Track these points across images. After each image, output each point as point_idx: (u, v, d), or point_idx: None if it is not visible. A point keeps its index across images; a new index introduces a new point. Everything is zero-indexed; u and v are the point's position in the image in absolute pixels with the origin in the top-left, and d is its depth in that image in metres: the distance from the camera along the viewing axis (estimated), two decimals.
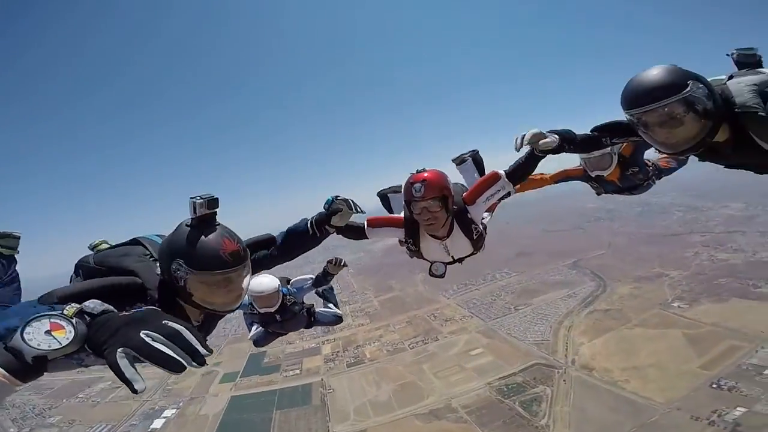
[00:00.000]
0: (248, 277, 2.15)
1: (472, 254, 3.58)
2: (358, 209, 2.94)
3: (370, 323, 62.95)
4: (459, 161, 4.15)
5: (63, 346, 1.10)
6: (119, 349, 1.05)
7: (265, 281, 4.48)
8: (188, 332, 1.14)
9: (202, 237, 1.96)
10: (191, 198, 2.02)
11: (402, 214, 3.45)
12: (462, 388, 41.36)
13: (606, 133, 2.89)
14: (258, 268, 2.75)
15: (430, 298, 66.94)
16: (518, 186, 3.36)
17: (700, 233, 67.23)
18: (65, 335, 1.12)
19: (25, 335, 1.09)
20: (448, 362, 47.28)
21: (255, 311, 4.72)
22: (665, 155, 4.04)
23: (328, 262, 4.93)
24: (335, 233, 3.11)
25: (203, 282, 1.96)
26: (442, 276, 3.65)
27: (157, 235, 2.45)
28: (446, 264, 3.59)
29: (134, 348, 1.05)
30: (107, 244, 2.65)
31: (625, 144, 3.93)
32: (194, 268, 1.92)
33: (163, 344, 1.08)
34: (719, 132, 2.27)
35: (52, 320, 1.13)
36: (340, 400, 43.69)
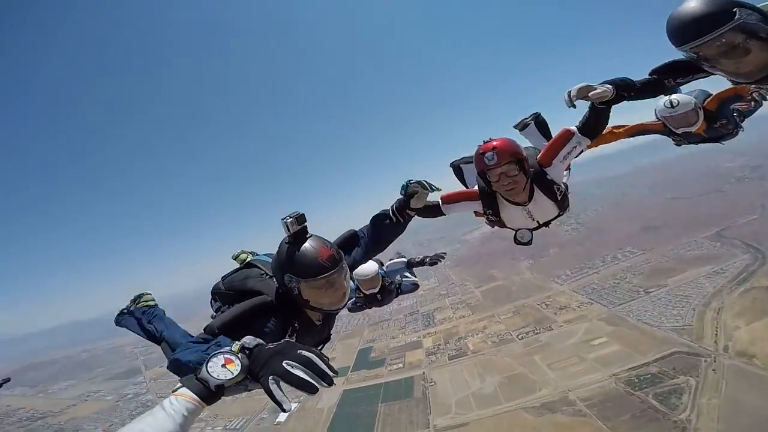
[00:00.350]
0: (347, 275, 2.41)
1: (557, 216, 3.53)
2: (434, 188, 3.03)
3: (472, 315, 60.80)
4: (521, 126, 4.02)
5: (234, 376, 1.42)
6: (270, 377, 1.35)
7: (367, 267, 4.90)
8: (318, 359, 1.39)
9: (301, 249, 2.26)
10: (282, 219, 2.31)
11: (476, 187, 3.41)
12: (582, 380, 37.14)
13: (668, 73, 2.70)
14: (356, 264, 3.03)
15: (540, 286, 62.05)
16: (592, 142, 3.23)
17: None
18: (235, 367, 1.44)
19: (209, 368, 1.43)
20: (565, 353, 43.02)
21: (360, 293, 5.17)
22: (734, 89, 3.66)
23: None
24: (416, 215, 3.22)
25: (312, 287, 2.26)
26: (529, 243, 3.67)
27: (266, 255, 2.93)
28: (531, 230, 3.59)
29: (280, 376, 1.35)
30: (246, 253, 3.15)
31: (710, 99, 3.82)
32: (302, 277, 2.23)
33: (300, 371, 1.35)
34: None
35: (225, 356, 1.46)
36: (441, 392, 42.67)
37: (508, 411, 35.98)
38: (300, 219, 2.30)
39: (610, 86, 2.73)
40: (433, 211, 3.42)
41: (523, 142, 3.81)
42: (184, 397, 1.34)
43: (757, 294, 41.04)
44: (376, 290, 5.06)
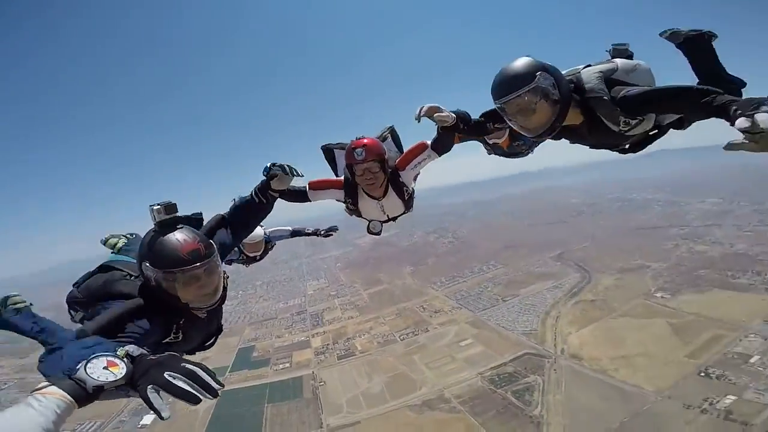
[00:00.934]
0: (218, 271, 2.29)
1: (403, 213, 3.92)
2: (296, 173, 3.01)
3: (359, 316, 62.80)
4: (381, 139, 4.29)
5: (117, 379, 1.38)
6: (149, 386, 1.34)
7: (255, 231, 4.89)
8: (202, 371, 1.40)
9: (164, 239, 2.16)
10: (150, 205, 2.23)
11: (341, 177, 3.73)
12: (454, 379, 41.36)
13: (490, 118, 3.15)
14: (226, 250, 2.84)
15: (419, 290, 67.20)
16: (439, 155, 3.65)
17: (678, 226, 69.44)
18: (119, 371, 1.40)
19: (87, 369, 1.37)
20: (439, 353, 47.38)
21: (243, 255, 5.29)
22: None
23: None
24: (279, 197, 3.25)
25: (172, 280, 2.13)
26: (378, 233, 4.05)
27: (123, 254, 2.80)
28: (382, 222, 3.98)
29: (161, 386, 1.35)
30: (117, 238, 3.00)
31: None
32: (158, 267, 2.11)
33: (183, 382, 1.36)
34: (571, 116, 2.54)
35: (108, 358, 1.42)
36: (332, 392, 43.34)
37: (394, 409, 38.17)
38: (169, 208, 2.24)
39: (454, 115, 3.18)
40: (299, 195, 3.66)
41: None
42: (54, 396, 1.25)
43: (584, 306, 51.14)
44: (259, 253, 5.32)
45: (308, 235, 5.95)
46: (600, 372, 37.83)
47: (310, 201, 3.73)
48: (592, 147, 3.09)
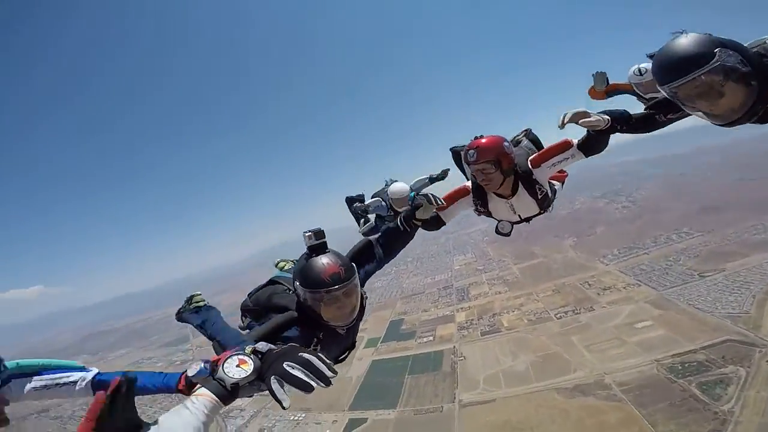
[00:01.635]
0: (356, 292, 2.53)
1: (538, 214, 3.77)
2: (440, 202, 3.29)
3: (508, 291, 60.42)
4: (515, 143, 4.12)
5: (247, 375, 1.55)
6: (272, 377, 1.50)
7: (400, 186, 5.23)
8: (317, 360, 1.53)
9: (312, 262, 2.45)
10: (303, 232, 2.55)
11: (465, 184, 3.73)
12: (621, 364, 36.24)
13: (660, 109, 2.83)
14: (368, 276, 3.08)
15: (584, 265, 60.20)
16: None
17: None
18: (248, 367, 1.58)
19: (225, 368, 1.56)
20: (606, 335, 41.94)
21: (392, 213, 5.42)
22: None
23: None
24: (420, 227, 3.41)
25: (315, 299, 2.41)
26: (507, 234, 3.89)
27: (287, 271, 3.20)
28: (513, 223, 3.81)
29: (281, 375, 1.50)
30: (286, 262, 3.47)
31: None
32: (305, 287, 2.41)
33: (299, 371, 1.50)
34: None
35: (240, 357, 1.61)
36: (470, 368, 43.09)
37: (538, 390, 35.80)
38: (318, 234, 2.53)
39: (607, 117, 2.93)
40: (434, 222, 3.64)
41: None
42: (204, 397, 1.45)
43: None
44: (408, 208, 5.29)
45: (436, 179, 5.91)
46: None
47: (446, 224, 3.79)
48: None
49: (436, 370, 44.49)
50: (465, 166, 3.58)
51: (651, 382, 32.55)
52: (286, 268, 3.34)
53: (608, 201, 76.63)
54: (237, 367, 1.57)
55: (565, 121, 2.98)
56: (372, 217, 5.91)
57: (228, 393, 1.52)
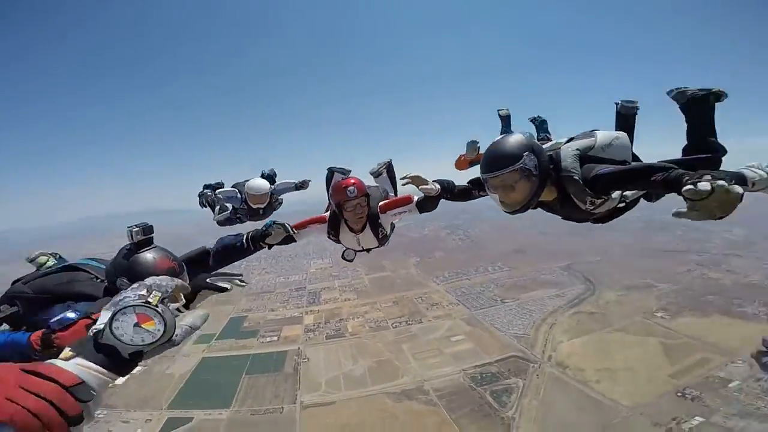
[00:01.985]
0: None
1: (377, 247, 4.36)
2: (294, 232, 3.60)
3: (356, 299, 64.41)
4: (376, 174, 4.91)
5: (156, 341, 1.09)
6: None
7: (261, 183, 5.50)
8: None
9: (139, 256, 2.36)
10: (128, 227, 2.43)
11: (323, 214, 4.28)
12: (437, 372, 42.23)
13: (476, 186, 3.50)
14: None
15: (421, 282, 68.23)
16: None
17: (697, 253, 67.85)
18: (155, 327, 1.09)
19: (115, 331, 1.04)
20: (428, 345, 48.35)
21: (245, 207, 5.56)
22: None
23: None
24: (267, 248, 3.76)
25: None
26: (351, 260, 4.45)
27: (90, 259, 2.78)
28: (356, 251, 4.37)
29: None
30: (46, 257, 3.04)
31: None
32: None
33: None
34: (546, 192, 2.77)
35: (137, 311, 1.09)
36: (313, 370, 44.68)
37: (372, 394, 39.20)
38: (146, 230, 2.45)
39: (438, 186, 3.68)
40: (285, 240, 3.92)
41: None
42: (85, 370, 0.95)
43: (582, 317, 50.95)
44: (263, 205, 5.61)
45: (299, 188, 6.12)
46: (581, 382, 37.96)
47: (296, 241, 4.08)
48: (563, 218, 3.29)
49: (277, 371, 44.75)
50: (334, 205, 3.98)
51: (459, 389, 38.55)
52: (48, 264, 2.95)
53: (449, 232, 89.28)
54: (136, 327, 1.06)
55: (404, 183, 3.68)
56: (230, 205, 5.81)
57: (123, 362, 1.04)
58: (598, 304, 55.07)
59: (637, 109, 3.40)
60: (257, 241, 3.52)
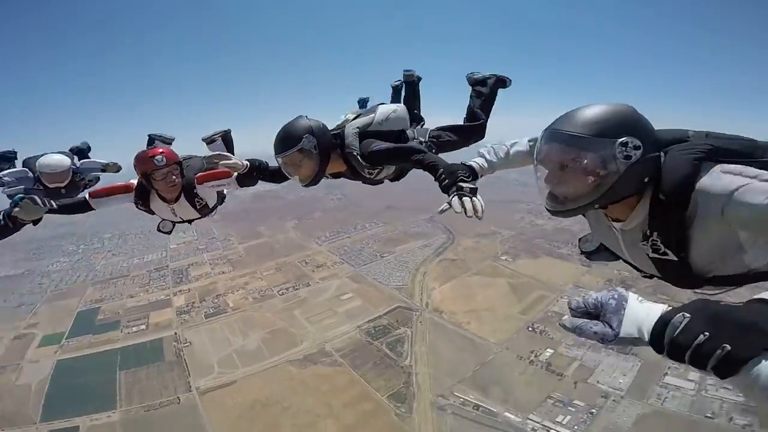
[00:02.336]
0: None
1: (199, 218, 4.33)
2: (49, 204, 3.21)
3: (233, 271, 61.41)
4: (209, 141, 4.78)
5: None
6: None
7: (56, 160, 4.71)
8: None
9: None
10: None
11: (129, 182, 3.92)
12: (334, 332, 44.38)
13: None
14: None
15: (302, 245, 68.22)
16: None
17: (526, 203, 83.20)
18: None
19: None
20: (320, 307, 49.93)
21: (40, 187, 4.70)
22: None
23: None
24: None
25: None
26: (168, 233, 4.46)
27: None
28: (174, 222, 4.35)
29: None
30: None
31: None
32: None
33: None
34: (336, 165, 3.18)
35: None
36: (199, 353, 42.43)
37: (274, 366, 39.49)
38: None
39: (245, 163, 3.78)
40: (78, 207, 3.81)
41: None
42: None
43: (446, 264, 59.04)
44: (63, 185, 4.89)
45: (109, 169, 5.56)
46: (456, 325, 44.70)
47: (94, 209, 3.83)
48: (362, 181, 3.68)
49: (158, 361, 41.21)
50: (135, 161, 3.68)
51: (358, 346, 41.53)
52: None
53: (327, 192, 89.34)
54: None
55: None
56: (23, 186, 4.91)
57: None
58: (457, 251, 64.22)
59: (417, 77, 4.28)
60: (11, 217, 3.10)
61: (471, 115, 3.89)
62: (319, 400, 34.85)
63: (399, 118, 3.41)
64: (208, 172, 3.95)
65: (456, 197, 2.37)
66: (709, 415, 32.11)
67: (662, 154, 1.63)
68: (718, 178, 1.48)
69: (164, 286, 56.68)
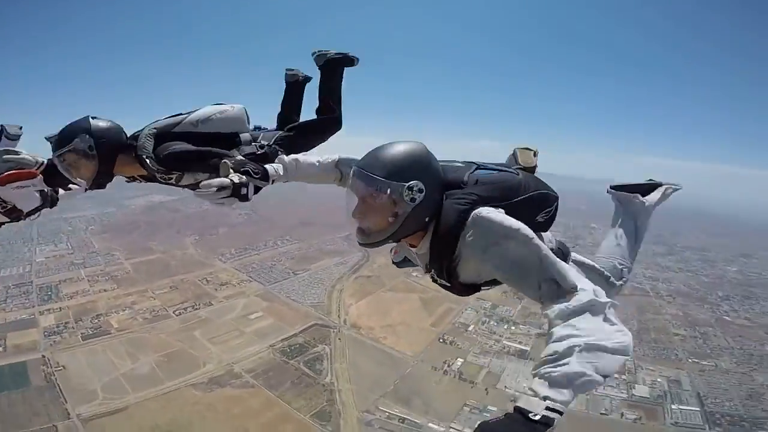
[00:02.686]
0: None
1: (9, 221, 3.93)
2: None
3: (117, 289, 53.84)
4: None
5: None
6: None
7: None
8: None
9: None
10: None
11: None
12: (244, 352, 41.45)
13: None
14: None
15: (203, 262, 62.69)
16: None
17: None
18: None
19: None
20: (225, 327, 46.28)
21: None
22: None
23: None
24: None
25: None
26: None
27: None
28: None
29: None
30: None
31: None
32: None
33: None
34: (130, 167, 3.02)
35: None
36: (76, 377, 36.85)
37: (174, 389, 35.50)
38: None
39: (42, 160, 3.35)
40: None
41: None
42: None
43: (362, 281, 59.53)
44: None
45: None
46: (374, 340, 45.18)
47: None
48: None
49: (22, 386, 35.06)
50: None
51: (272, 365, 39.29)
52: None
53: (234, 207, 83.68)
54: None
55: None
56: None
57: None
58: (372, 268, 64.74)
59: (303, 77, 3.88)
60: None
61: (322, 104, 3.70)
62: (231, 423, 32.03)
63: (228, 119, 3.20)
64: (12, 172, 3.44)
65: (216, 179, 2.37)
66: (603, 411, 36.78)
67: (444, 197, 1.92)
68: (478, 233, 1.78)
69: (27, 304, 47.50)
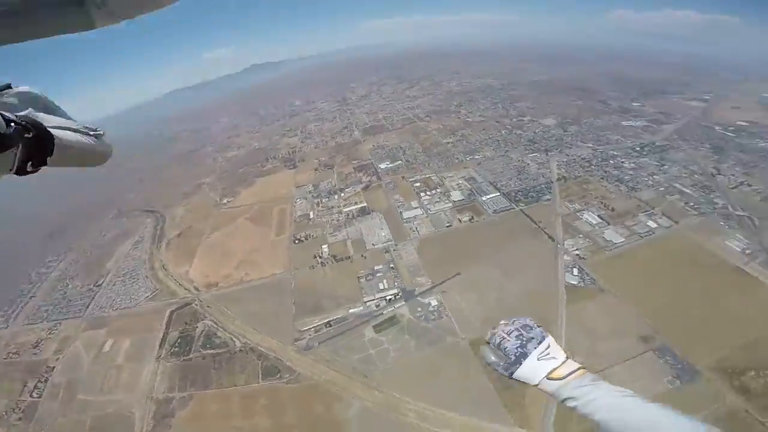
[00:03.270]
0: None
1: None
2: None
3: None
4: None
5: None
6: None
7: None
8: None
9: None
10: None
11: None
12: (139, 389, 37.56)
13: None
14: None
15: None
16: None
17: (209, 144, 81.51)
18: None
19: None
20: (96, 379, 39.53)
21: None
22: None
23: None
24: None
25: None
26: None
27: None
28: None
29: None
30: None
31: None
32: None
33: None
34: None
35: None
36: None
37: None
38: None
39: None
40: None
41: None
42: None
43: (177, 242, 55.16)
44: None
45: None
46: (239, 283, 45.56)
47: None
48: None
49: None
50: None
51: (176, 371, 37.27)
52: None
53: None
54: None
55: None
56: None
57: None
58: (176, 223, 60.75)
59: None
60: None
61: None
62: None
63: None
64: None
65: None
66: (447, 225, 46.63)
67: None
68: None
69: None
